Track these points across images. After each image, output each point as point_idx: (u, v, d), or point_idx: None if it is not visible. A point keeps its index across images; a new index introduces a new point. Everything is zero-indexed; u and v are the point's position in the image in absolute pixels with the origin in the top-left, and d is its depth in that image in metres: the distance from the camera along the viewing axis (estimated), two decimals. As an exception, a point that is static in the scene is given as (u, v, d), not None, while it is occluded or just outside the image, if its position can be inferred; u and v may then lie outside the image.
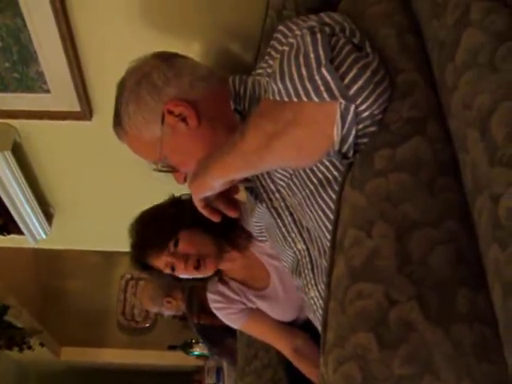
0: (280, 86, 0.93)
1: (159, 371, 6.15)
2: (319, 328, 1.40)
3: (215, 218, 1.28)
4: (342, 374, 0.75)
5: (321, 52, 0.89)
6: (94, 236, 3.05)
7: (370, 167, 0.90)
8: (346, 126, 0.92)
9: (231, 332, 2.91)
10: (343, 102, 0.89)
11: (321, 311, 1.34)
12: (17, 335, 4.94)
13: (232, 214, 1.29)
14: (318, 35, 0.92)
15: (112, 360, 5.98)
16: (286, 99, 0.93)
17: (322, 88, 0.88)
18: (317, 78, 0.88)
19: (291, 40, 0.99)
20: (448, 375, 0.72)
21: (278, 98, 0.94)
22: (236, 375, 2.63)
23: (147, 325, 6.08)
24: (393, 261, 0.79)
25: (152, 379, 6.18)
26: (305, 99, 0.90)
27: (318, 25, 0.98)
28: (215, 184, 1.13)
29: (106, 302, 6.09)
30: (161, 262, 1.80)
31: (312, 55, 0.90)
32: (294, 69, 0.91)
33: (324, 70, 0.88)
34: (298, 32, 1.00)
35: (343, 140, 0.94)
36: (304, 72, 0.90)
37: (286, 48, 0.97)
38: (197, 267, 1.77)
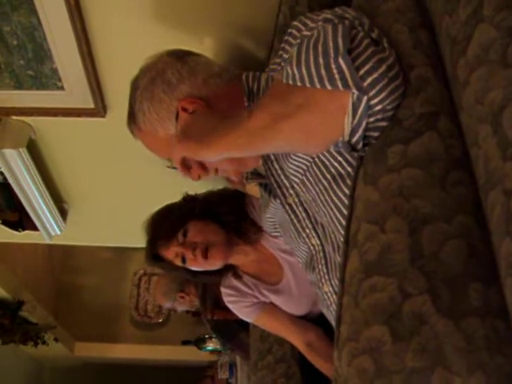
0: (295, 70, 0.93)
1: (172, 366, 6.18)
2: (332, 323, 1.41)
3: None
4: (355, 367, 0.76)
5: (340, 42, 0.90)
6: (108, 232, 3.07)
7: (382, 163, 0.91)
8: (357, 117, 0.92)
9: (244, 327, 2.93)
10: (356, 92, 0.89)
11: (334, 306, 1.35)
12: (31, 330, 4.97)
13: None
14: (339, 26, 0.92)
15: (125, 355, 6.02)
16: (299, 84, 0.93)
17: (336, 76, 0.89)
18: (333, 66, 0.89)
19: (306, 33, 0.99)
20: (460, 368, 0.72)
21: (291, 82, 0.95)
22: (249, 370, 2.65)
23: (160, 320, 6.11)
24: (406, 255, 0.79)
25: (165, 374, 6.21)
26: (318, 86, 0.91)
27: (337, 18, 0.98)
28: (209, 156, 1.07)
29: (120, 298, 6.13)
30: (170, 252, 1.82)
31: (331, 44, 0.90)
32: (311, 56, 0.91)
33: (341, 60, 0.88)
34: (313, 25, 1.00)
35: (353, 131, 0.95)
36: (321, 60, 0.90)
37: (308, 34, 0.97)
38: (205, 256, 1.79)
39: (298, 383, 2.22)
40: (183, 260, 1.82)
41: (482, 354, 0.73)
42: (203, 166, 1.24)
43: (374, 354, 0.75)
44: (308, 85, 0.92)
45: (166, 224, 1.84)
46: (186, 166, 1.23)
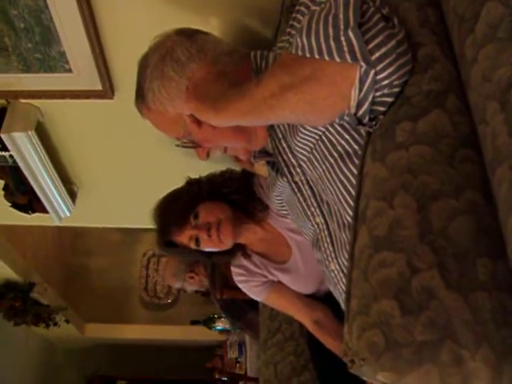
0: (304, 41, 0.94)
1: (182, 346, 6.24)
2: (340, 300, 1.43)
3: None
4: (365, 340, 0.77)
5: (351, 15, 0.90)
6: (117, 213, 3.09)
7: (391, 140, 0.92)
8: (364, 90, 0.93)
9: (253, 306, 2.96)
10: (364, 65, 0.90)
11: (341, 284, 1.36)
12: (43, 312, 5.01)
13: None
14: (351, 0, 0.93)
15: (135, 336, 6.08)
16: (307, 55, 0.94)
17: (345, 49, 0.90)
18: (342, 38, 0.89)
19: (315, 7, 1.00)
20: (467, 341, 0.74)
21: (300, 53, 0.95)
22: (258, 348, 2.68)
23: (169, 301, 6.16)
24: (414, 230, 0.81)
25: (175, 354, 6.27)
26: (326, 58, 0.91)
27: None
28: (215, 121, 1.11)
29: (129, 279, 6.18)
30: (184, 236, 1.84)
31: (341, 16, 0.91)
32: (321, 27, 0.92)
33: (350, 33, 0.89)
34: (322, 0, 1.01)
35: (359, 104, 0.95)
36: (331, 31, 0.91)
37: (316, 8, 0.98)
38: (219, 235, 1.81)
39: (307, 361, 2.26)
40: (197, 242, 1.83)
41: (488, 327, 0.74)
42: (213, 128, 1.24)
43: (384, 327, 0.76)
44: (317, 56, 0.92)
45: (176, 210, 1.85)
46: (196, 120, 1.24)
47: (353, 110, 0.97)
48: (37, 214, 2.99)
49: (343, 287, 1.34)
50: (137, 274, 6.16)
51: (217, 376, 4.44)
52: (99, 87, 2.12)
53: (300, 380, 2.26)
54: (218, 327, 4.70)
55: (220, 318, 4.58)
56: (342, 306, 1.25)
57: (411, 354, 0.73)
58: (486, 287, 0.76)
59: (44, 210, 2.93)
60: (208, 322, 4.71)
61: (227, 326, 4.56)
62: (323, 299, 1.99)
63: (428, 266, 0.77)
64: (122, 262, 6.10)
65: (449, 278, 0.76)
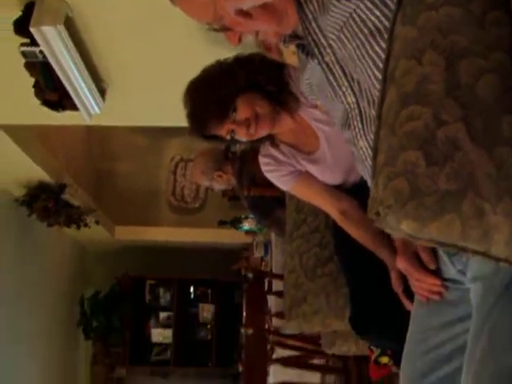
0: None
1: (209, 249, 6.41)
2: (366, 177, 1.47)
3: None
4: (391, 188, 0.80)
5: None
6: (147, 111, 3.11)
7: (420, 3, 0.92)
8: None
9: (281, 203, 3.02)
10: None
11: (369, 160, 1.39)
12: (74, 213, 5.13)
13: None
14: None
15: (164, 238, 6.25)
16: None
17: None
18: None
19: None
20: (489, 194, 0.77)
21: None
22: (285, 240, 2.76)
23: (197, 205, 6.26)
24: (442, 85, 0.83)
25: (202, 256, 6.45)
26: None
27: None
28: None
29: (157, 184, 6.28)
30: (223, 130, 1.86)
31: None
32: None
33: None
34: None
35: None
36: None
37: None
38: (256, 129, 1.84)
39: (332, 253, 2.33)
40: (232, 134, 1.86)
41: (511, 182, 0.77)
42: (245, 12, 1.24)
43: (409, 176, 0.79)
44: None
45: (214, 103, 1.85)
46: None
47: None
48: (67, 112, 3.04)
49: (371, 163, 1.37)
50: (164, 179, 6.26)
51: (243, 272, 4.57)
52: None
53: (324, 271, 2.34)
54: (245, 227, 4.79)
55: (247, 218, 4.67)
56: (369, 182, 1.28)
57: (434, 202, 0.77)
58: (510, 143, 0.78)
59: (74, 108, 2.97)
60: (235, 223, 4.81)
61: (253, 227, 4.66)
62: (350, 192, 2.03)
63: (454, 119, 0.80)
64: (149, 167, 6.19)
65: (474, 132, 0.78)
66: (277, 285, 3.75)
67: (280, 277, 3.30)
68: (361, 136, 1.40)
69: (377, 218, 0.83)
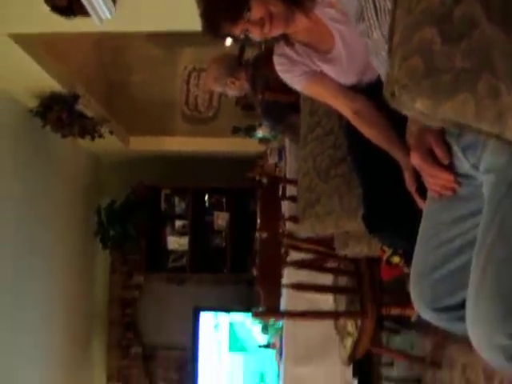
0: None
1: (223, 157, 6.43)
2: (379, 70, 1.47)
3: None
4: (406, 67, 0.80)
5: None
6: (160, 16, 3.06)
7: None
8: None
9: (294, 109, 3.01)
10: None
11: (383, 52, 1.39)
12: (88, 124, 5.14)
13: None
14: None
15: (178, 147, 6.27)
16: None
17: None
18: None
19: None
20: (505, 74, 0.77)
21: None
22: (298, 146, 2.77)
23: (210, 114, 6.24)
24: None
25: (217, 165, 6.47)
26: None
27: None
28: None
29: (171, 94, 6.23)
30: (236, 29, 1.84)
31: None
32: None
33: None
34: None
35: None
36: None
37: None
38: (271, 29, 1.82)
39: (345, 153, 2.34)
40: (246, 33, 1.84)
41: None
42: None
43: (425, 53, 0.79)
44: None
45: (229, 2, 1.82)
46: None
47: None
48: (78, 19, 3.00)
49: (385, 54, 1.37)
50: (178, 89, 6.20)
51: (257, 178, 4.59)
52: None
53: (337, 172, 2.36)
54: (259, 135, 4.79)
55: (260, 125, 4.66)
56: (382, 75, 1.28)
57: (449, 81, 0.77)
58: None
59: (85, 13, 2.93)
60: (249, 130, 4.80)
61: (267, 134, 4.65)
62: (364, 92, 2.01)
63: (471, -3, 0.79)
64: (162, 77, 6.12)
65: (491, 11, 0.77)
66: (291, 190, 3.80)
67: (294, 182, 3.33)
68: (375, 28, 1.39)
69: (392, 98, 0.83)
